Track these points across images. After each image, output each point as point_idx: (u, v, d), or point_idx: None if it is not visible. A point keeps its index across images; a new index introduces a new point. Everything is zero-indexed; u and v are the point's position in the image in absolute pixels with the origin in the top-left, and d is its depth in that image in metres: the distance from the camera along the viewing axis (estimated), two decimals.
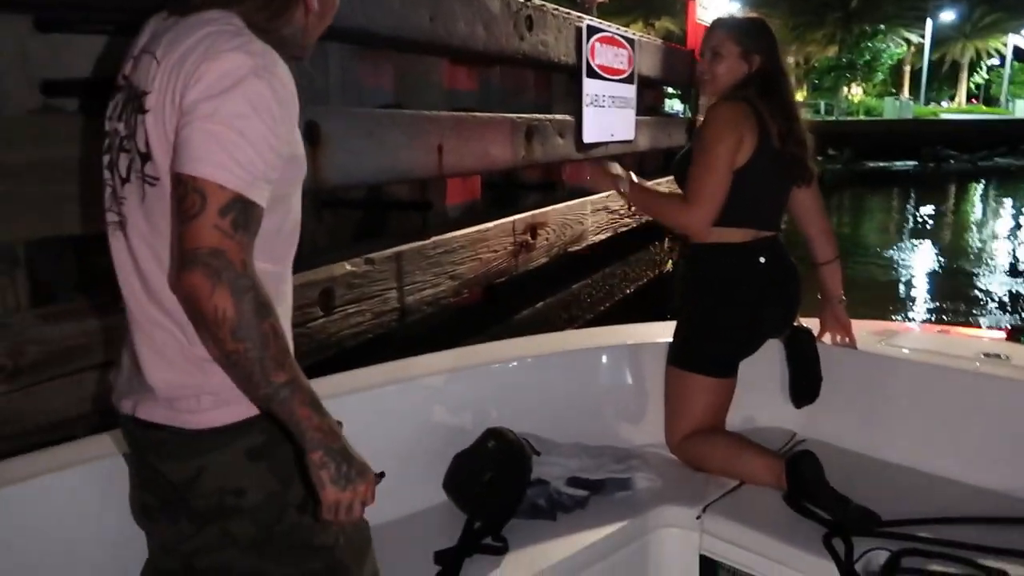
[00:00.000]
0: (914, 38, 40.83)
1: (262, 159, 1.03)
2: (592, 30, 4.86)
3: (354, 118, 3.10)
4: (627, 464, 2.10)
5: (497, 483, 1.84)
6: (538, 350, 2.30)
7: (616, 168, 2.25)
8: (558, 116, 4.74)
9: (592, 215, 5.09)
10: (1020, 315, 7.60)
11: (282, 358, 1.02)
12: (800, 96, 45.50)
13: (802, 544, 1.75)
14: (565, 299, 4.84)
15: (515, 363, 2.23)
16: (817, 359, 2.24)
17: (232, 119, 1.00)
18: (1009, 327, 2.43)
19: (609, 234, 5.37)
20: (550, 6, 4.51)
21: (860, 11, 38.34)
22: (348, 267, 3.01)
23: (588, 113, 4.87)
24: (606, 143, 5.27)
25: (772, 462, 1.98)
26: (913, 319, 7.59)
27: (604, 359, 2.38)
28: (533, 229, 4.23)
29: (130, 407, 1.16)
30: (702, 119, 2.19)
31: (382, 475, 1.13)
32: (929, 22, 39.38)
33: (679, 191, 2.19)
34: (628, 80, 5.42)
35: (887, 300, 8.41)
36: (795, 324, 2.29)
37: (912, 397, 2.17)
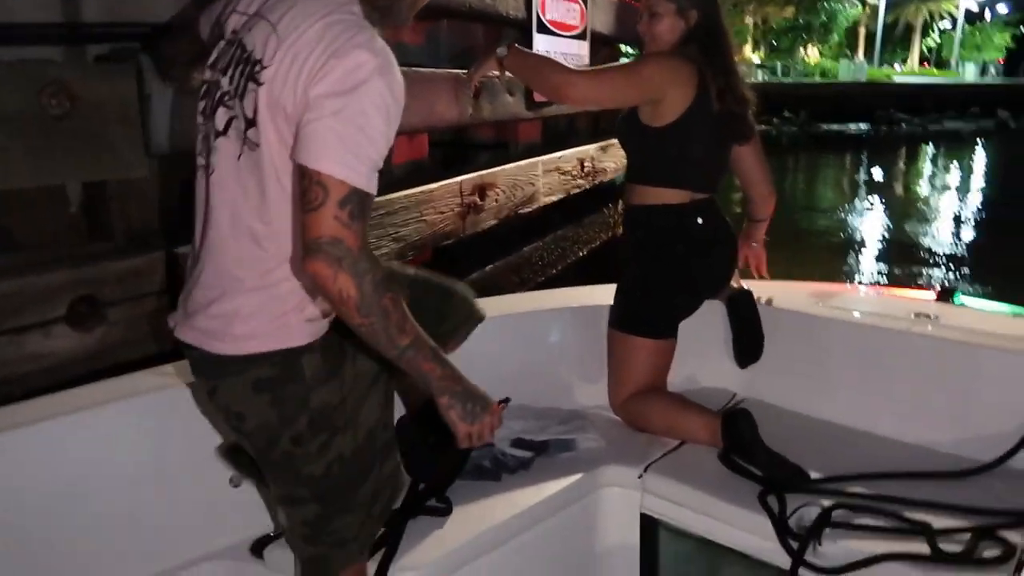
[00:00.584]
0: None
1: (377, 152, 1.14)
2: None
3: None
4: (571, 425, 2.10)
5: (441, 445, 1.81)
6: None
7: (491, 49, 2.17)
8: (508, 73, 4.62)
9: (544, 176, 4.95)
10: (955, 274, 7.98)
11: (403, 324, 1.17)
12: (758, 57, 45.95)
13: (738, 501, 1.77)
14: (515, 262, 4.71)
15: None
16: (758, 319, 2.26)
17: (356, 116, 1.10)
18: (939, 288, 2.49)
19: (561, 195, 5.26)
20: None
21: None
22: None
23: None
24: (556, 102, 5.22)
25: (710, 421, 2.00)
26: (855, 277, 7.76)
27: (549, 322, 2.36)
28: (481, 190, 4.08)
29: (179, 331, 1.32)
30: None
31: (507, 401, 1.47)
32: None
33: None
34: (580, 37, 5.26)
35: (834, 259, 8.61)
36: (735, 284, 2.30)
37: (847, 357, 2.21)
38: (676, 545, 1.93)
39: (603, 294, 2.41)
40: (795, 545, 1.64)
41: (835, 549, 1.61)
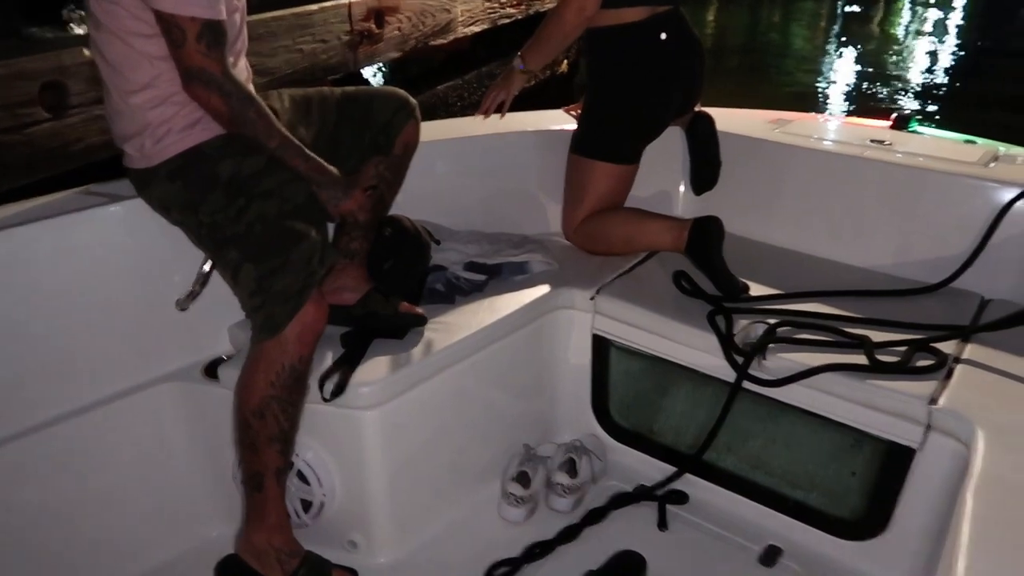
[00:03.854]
0: None
1: None
2: None
3: None
4: (524, 248, 2.09)
5: (396, 270, 1.81)
6: (434, 134, 2.19)
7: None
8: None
9: (462, 2, 4.42)
10: (918, 106, 7.96)
11: (269, 130, 1.47)
12: None
13: (687, 320, 1.81)
14: (426, 102, 4.23)
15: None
16: (717, 144, 2.22)
17: None
18: (894, 117, 2.44)
19: (486, 26, 4.71)
20: None
21: None
22: (88, 53, 2.36)
23: None
24: None
25: (676, 223, 2.02)
26: (818, 110, 7.72)
27: (508, 146, 2.29)
28: (379, 15, 3.62)
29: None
30: None
31: (374, 188, 1.69)
32: None
33: None
34: None
35: (798, 95, 8.49)
36: (696, 109, 2.23)
37: (799, 182, 2.20)
38: (626, 363, 1.99)
39: (560, 119, 2.33)
40: (740, 360, 1.69)
41: (778, 363, 1.66)
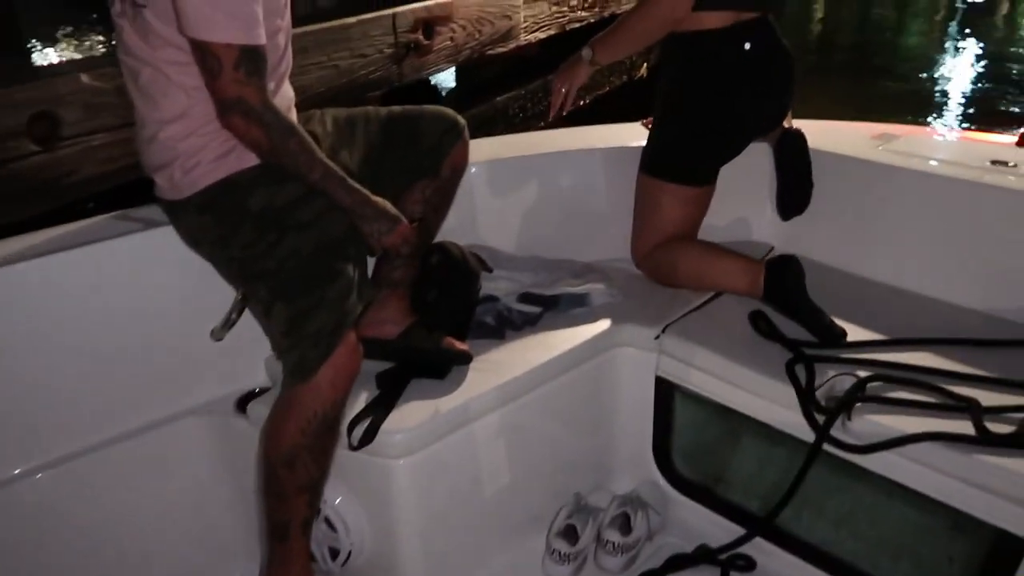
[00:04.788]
0: None
1: (249, 3, 1.24)
2: None
3: None
4: (585, 279, 1.92)
5: (441, 302, 1.69)
6: (490, 153, 2.05)
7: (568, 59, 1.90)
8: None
9: (526, 6, 3.95)
10: None
11: (311, 162, 1.35)
12: None
13: (763, 368, 1.61)
14: (483, 114, 3.76)
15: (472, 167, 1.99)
16: (809, 164, 1.99)
17: None
18: (1022, 132, 2.09)
19: (553, 31, 4.25)
20: None
21: None
22: (87, 80, 2.19)
23: None
24: None
25: (750, 265, 1.82)
26: (930, 120, 6.95)
27: (572, 165, 2.13)
28: (428, 25, 3.27)
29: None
30: None
31: (422, 219, 1.60)
32: None
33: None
34: None
35: (910, 99, 7.79)
36: (785, 124, 2.01)
37: (905, 209, 1.94)
38: (693, 411, 1.80)
39: (635, 134, 2.15)
40: (822, 420, 1.48)
41: (866, 425, 1.45)
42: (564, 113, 1.98)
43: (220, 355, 1.60)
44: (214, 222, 1.40)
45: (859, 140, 2.11)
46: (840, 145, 2.07)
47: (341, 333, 1.37)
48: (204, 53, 1.24)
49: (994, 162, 1.93)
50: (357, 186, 1.41)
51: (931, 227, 1.90)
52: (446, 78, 3.51)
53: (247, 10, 1.24)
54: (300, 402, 1.37)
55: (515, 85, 4.04)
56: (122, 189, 2.00)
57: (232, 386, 1.63)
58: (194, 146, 1.36)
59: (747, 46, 1.81)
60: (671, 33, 1.84)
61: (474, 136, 1.76)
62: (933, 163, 1.96)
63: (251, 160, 1.38)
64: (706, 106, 1.87)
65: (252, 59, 1.26)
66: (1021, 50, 10.82)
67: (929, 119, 6.80)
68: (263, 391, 1.60)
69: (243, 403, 1.60)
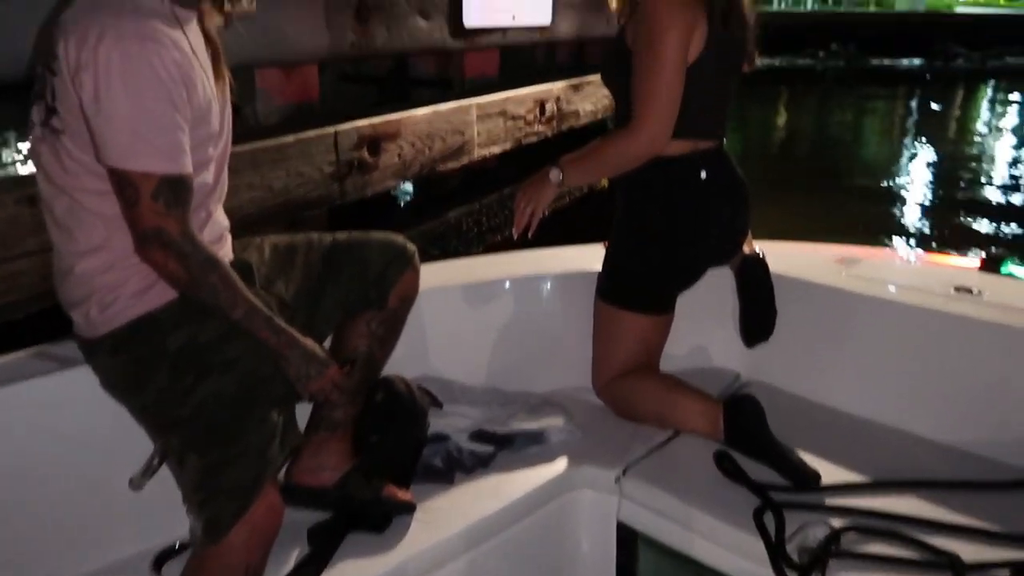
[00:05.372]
0: None
1: (168, 128, 1.18)
2: None
3: None
4: (542, 413, 1.83)
5: (384, 446, 1.57)
6: (442, 279, 1.98)
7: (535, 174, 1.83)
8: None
9: (480, 122, 3.81)
10: (1008, 238, 6.85)
11: (234, 299, 1.26)
12: None
13: (730, 516, 1.50)
14: (434, 230, 3.51)
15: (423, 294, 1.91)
16: (771, 290, 1.94)
17: (118, 99, 1.14)
18: (983, 256, 2.10)
19: (508, 145, 4.13)
20: None
21: None
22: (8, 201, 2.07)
23: None
24: (502, 28, 4.05)
25: (708, 407, 1.74)
26: (892, 233, 6.99)
27: (525, 291, 2.06)
28: (374, 143, 3.09)
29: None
30: None
31: (351, 363, 1.47)
32: None
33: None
34: None
35: (870, 210, 7.92)
36: (746, 249, 1.97)
37: (871, 338, 1.89)
38: (657, 561, 1.67)
39: (582, 256, 2.09)
40: None
41: None
42: (530, 235, 1.88)
43: (139, 506, 1.45)
44: (128, 364, 1.30)
45: (822, 264, 2.08)
46: (804, 270, 2.03)
47: (260, 487, 1.26)
48: (122, 182, 1.18)
49: (958, 288, 1.90)
50: (284, 326, 1.32)
51: (900, 357, 1.85)
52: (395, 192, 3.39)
53: (169, 139, 1.18)
54: (210, 567, 1.24)
55: (469, 199, 3.85)
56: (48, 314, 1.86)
57: (151, 541, 1.48)
58: (112, 281, 1.27)
59: (703, 175, 1.79)
60: None
61: (426, 252, 1.69)
62: (898, 290, 1.93)
63: (174, 294, 1.29)
64: (663, 234, 1.83)
65: (173, 189, 1.20)
66: (975, 158, 11.27)
67: (890, 236, 6.77)
68: (184, 547, 1.45)
69: (160, 562, 1.44)
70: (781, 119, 15.41)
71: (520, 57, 4.73)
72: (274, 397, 1.33)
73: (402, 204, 3.79)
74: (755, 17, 1.78)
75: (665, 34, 1.65)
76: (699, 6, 1.67)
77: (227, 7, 1.36)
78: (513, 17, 4.12)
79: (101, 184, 1.21)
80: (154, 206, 1.18)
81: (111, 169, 1.18)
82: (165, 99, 1.16)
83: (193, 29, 1.27)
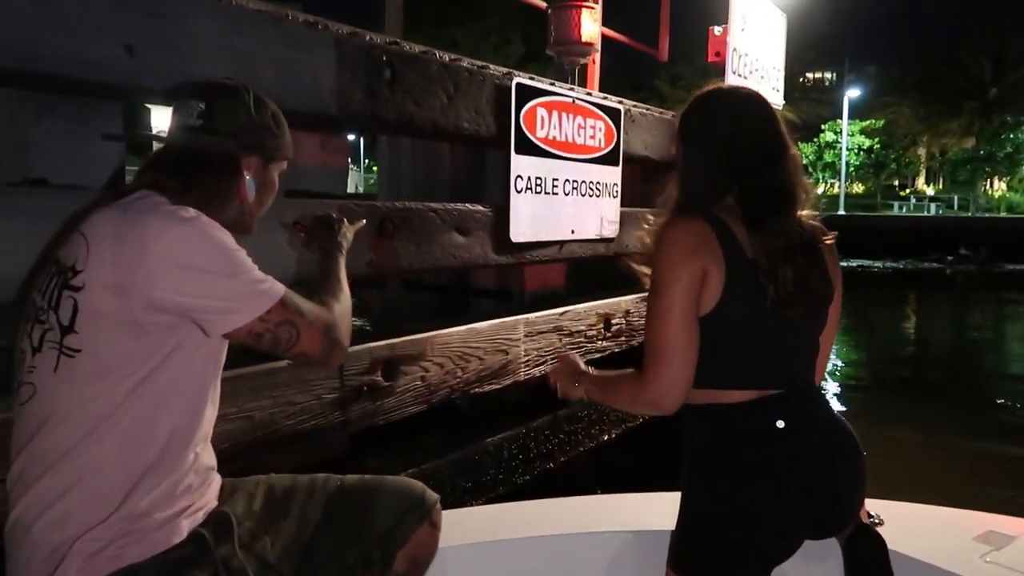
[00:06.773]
0: None
1: (251, 264, 1.22)
2: (526, 91, 3.42)
3: None
4: None
5: None
6: (480, 532, 1.62)
7: (574, 362, 1.74)
8: (457, 205, 3.10)
9: (530, 340, 3.35)
10: None
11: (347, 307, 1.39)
12: (932, 190, 42.63)
13: None
14: (466, 460, 2.88)
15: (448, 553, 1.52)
16: (889, 572, 1.52)
17: (216, 259, 1.17)
18: None
19: None
20: (422, 50, 2.92)
21: (1001, 100, 36.10)
22: None
23: (520, 202, 3.40)
24: (558, 242, 3.73)
25: None
26: None
27: (588, 549, 1.70)
28: (390, 365, 2.67)
29: None
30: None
31: None
32: None
33: None
34: (607, 160, 4.02)
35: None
36: (859, 519, 1.56)
37: None
38: None
39: (659, 507, 1.76)
40: None
41: None
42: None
43: None
44: None
45: (957, 540, 1.69)
46: (931, 548, 1.65)
47: None
48: (265, 329, 1.23)
49: None
50: None
51: None
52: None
53: (256, 271, 1.23)
54: None
55: (513, 422, 3.19)
56: None
57: None
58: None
59: (780, 424, 1.45)
60: (687, 402, 1.50)
61: (452, 497, 1.37)
62: None
63: (147, 553, 1.14)
64: (736, 496, 1.46)
65: (291, 300, 1.25)
66: None
67: None
68: None
69: None
70: (910, 321, 14.38)
71: (586, 265, 4.49)
72: None
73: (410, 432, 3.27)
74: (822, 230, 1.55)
75: (672, 286, 1.45)
76: (711, 250, 1.45)
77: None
78: (572, 231, 3.89)
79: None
80: (297, 319, 1.21)
81: (260, 319, 1.17)
82: (232, 239, 1.19)
83: None
